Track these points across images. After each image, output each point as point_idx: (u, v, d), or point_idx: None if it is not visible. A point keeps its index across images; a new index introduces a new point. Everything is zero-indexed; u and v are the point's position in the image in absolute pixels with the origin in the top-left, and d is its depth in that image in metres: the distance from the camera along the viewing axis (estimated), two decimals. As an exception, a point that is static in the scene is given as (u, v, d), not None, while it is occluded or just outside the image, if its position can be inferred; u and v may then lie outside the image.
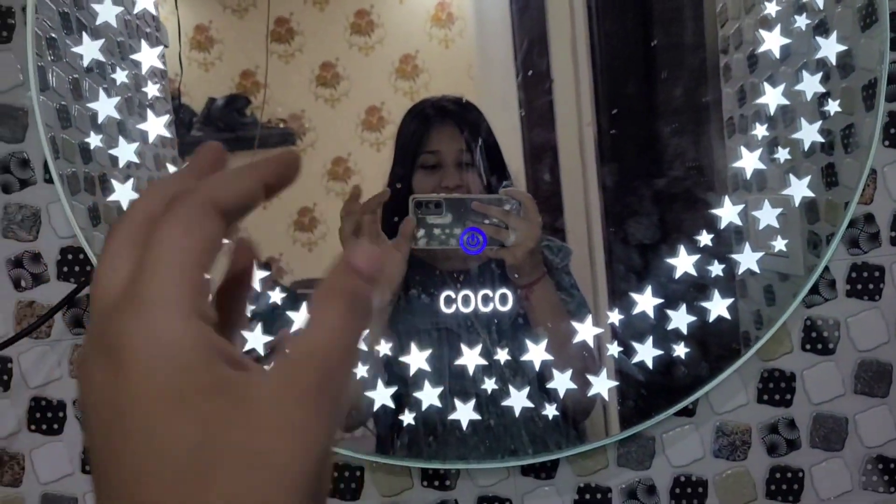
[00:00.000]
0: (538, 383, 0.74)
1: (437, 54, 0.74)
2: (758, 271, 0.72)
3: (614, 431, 0.76)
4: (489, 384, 0.74)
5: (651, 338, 0.73)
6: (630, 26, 0.75)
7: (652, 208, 0.73)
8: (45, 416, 0.79)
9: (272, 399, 0.21)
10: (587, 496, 0.79)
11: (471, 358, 0.73)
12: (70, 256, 0.78)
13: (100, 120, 0.72)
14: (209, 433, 0.20)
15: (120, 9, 0.70)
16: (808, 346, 0.78)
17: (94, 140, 0.72)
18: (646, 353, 0.73)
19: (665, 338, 0.73)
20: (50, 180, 0.75)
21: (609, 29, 0.74)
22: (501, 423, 0.75)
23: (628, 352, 0.73)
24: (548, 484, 0.79)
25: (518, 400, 0.74)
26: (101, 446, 0.21)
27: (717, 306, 0.72)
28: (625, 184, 0.74)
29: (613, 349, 0.73)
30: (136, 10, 0.71)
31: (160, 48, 0.71)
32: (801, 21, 0.71)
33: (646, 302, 0.72)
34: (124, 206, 0.73)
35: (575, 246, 0.75)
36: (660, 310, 0.73)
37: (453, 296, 0.74)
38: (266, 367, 0.23)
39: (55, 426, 0.79)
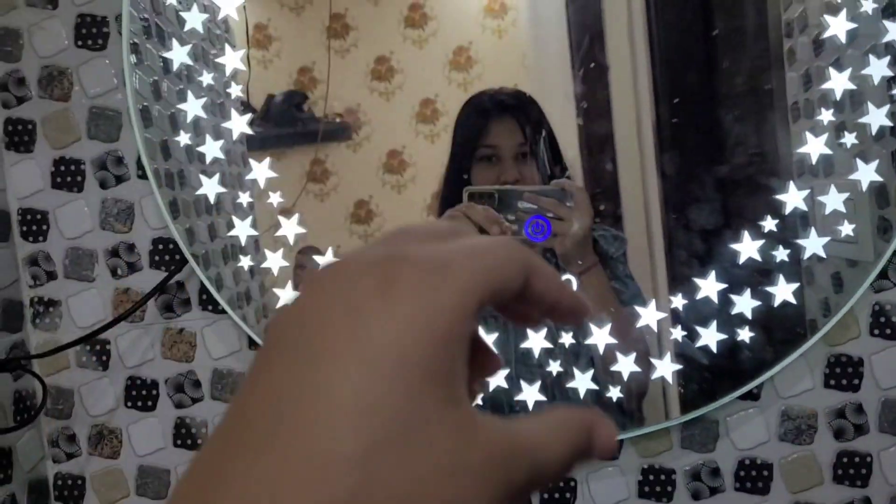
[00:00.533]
0: (600, 365, 0.77)
1: (490, 45, 0.74)
2: (824, 256, 0.73)
3: (677, 414, 0.77)
4: (554, 367, 0.77)
5: (715, 322, 0.74)
6: (690, 15, 0.76)
7: (714, 194, 0.74)
8: (140, 394, 0.85)
9: (476, 455, 0.19)
10: (651, 477, 0.81)
11: (536, 341, 0.76)
12: (161, 246, 0.84)
13: (188, 119, 0.77)
14: (412, 431, 0.18)
15: (206, 16, 0.75)
16: (876, 331, 0.78)
17: (183, 138, 0.78)
18: (709, 336, 0.74)
19: (729, 322, 0.74)
20: (143, 176, 0.81)
21: (668, 17, 0.75)
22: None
23: (692, 336, 0.75)
24: (612, 464, 0.81)
25: (582, 382, 0.76)
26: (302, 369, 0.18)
27: (783, 291, 0.73)
28: (686, 171, 0.75)
29: (677, 333, 0.75)
30: (219, 17, 0.76)
31: (243, 51, 0.76)
32: (868, 4, 0.71)
33: (709, 287, 0.74)
34: (211, 198, 0.79)
35: (634, 233, 0.76)
36: (723, 294, 0.74)
37: None
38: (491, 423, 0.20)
39: (149, 403, 0.85)
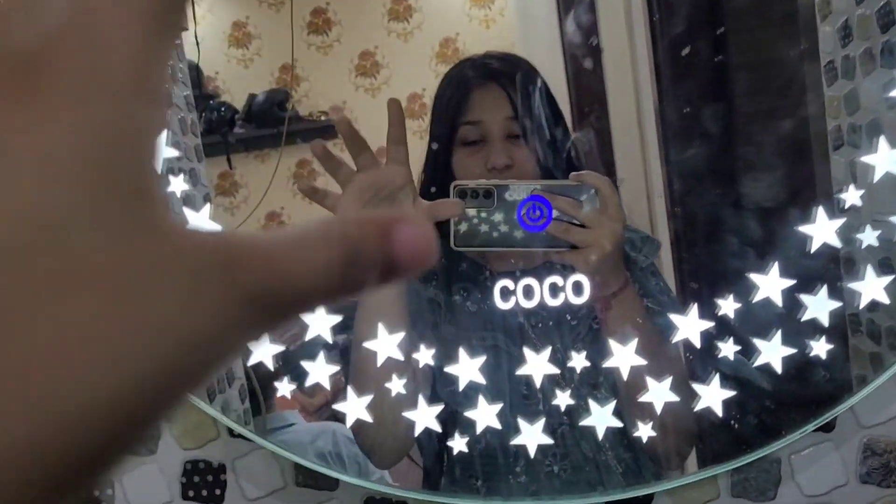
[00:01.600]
0: (626, 396, 0.57)
1: (478, 35, 0.71)
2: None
3: (728, 455, 0.58)
4: (563, 399, 0.57)
5: (779, 332, 0.54)
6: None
7: (773, 161, 0.55)
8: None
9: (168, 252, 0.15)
10: (693, 535, 0.62)
11: (537, 365, 0.57)
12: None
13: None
14: None
15: None
16: None
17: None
18: (772, 352, 0.55)
19: (798, 332, 0.55)
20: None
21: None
22: (580, 449, 0.59)
23: (747, 352, 0.55)
24: (641, 521, 0.62)
25: (601, 418, 0.57)
26: None
27: (870, 286, 0.54)
28: (694, 159, 0.55)
29: (727, 349, 0.55)
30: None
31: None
32: None
33: (770, 284, 0.54)
34: (178, 195, 0.61)
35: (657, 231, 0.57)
36: (790, 295, 0.54)
37: (509, 295, 0.57)
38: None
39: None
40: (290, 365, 0.60)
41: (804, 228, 0.54)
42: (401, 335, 0.56)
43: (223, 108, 0.71)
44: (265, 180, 0.69)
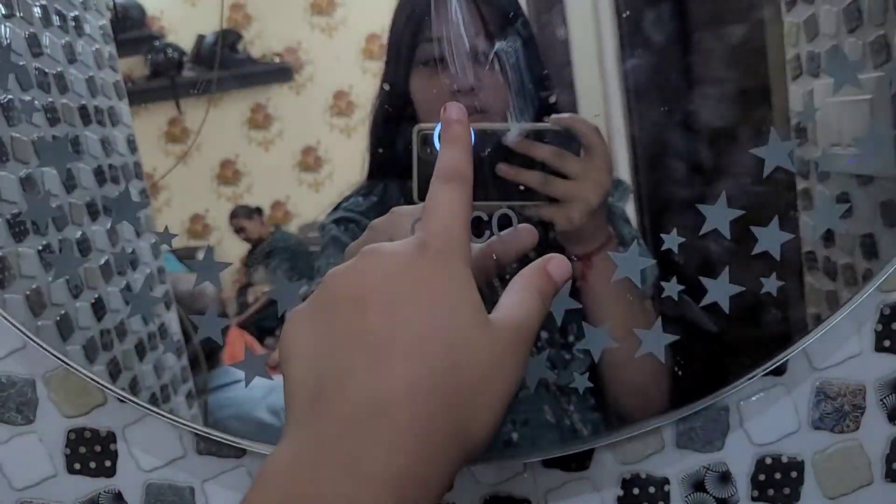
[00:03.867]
0: (562, 342, 0.51)
1: None
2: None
3: (672, 404, 0.53)
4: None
5: (727, 268, 0.49)
6: None
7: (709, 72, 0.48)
8: None
9: (504, 346, 0.30)
10: (635, 490, 0.57)
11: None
12: None
13: None
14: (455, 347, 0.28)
15: None
16: (949, 268, 0.54)
17: None
18: (719, 291, 0.49)
19: (748, 268, 0.49)
20: None
21: None
22: (543, 414, 0.53)
23: (693, 291, 0.49)
24: (580, 477, 0.57)
25: (534, 367, 0.51)
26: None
27: (826, 217, 0.48)
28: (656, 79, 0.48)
29: (671, 289, 0.49)
30: None
31: None
32: None
33: (718, 215, 0.48)
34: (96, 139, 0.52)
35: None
36: (740, 226, 0.48)
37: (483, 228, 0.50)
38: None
39: None
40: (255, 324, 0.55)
41: (756, 151, 0.48)
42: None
43: (169, 50, 0.65)
44: (217, 126, 0.61)
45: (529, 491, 0.57)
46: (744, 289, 0.49)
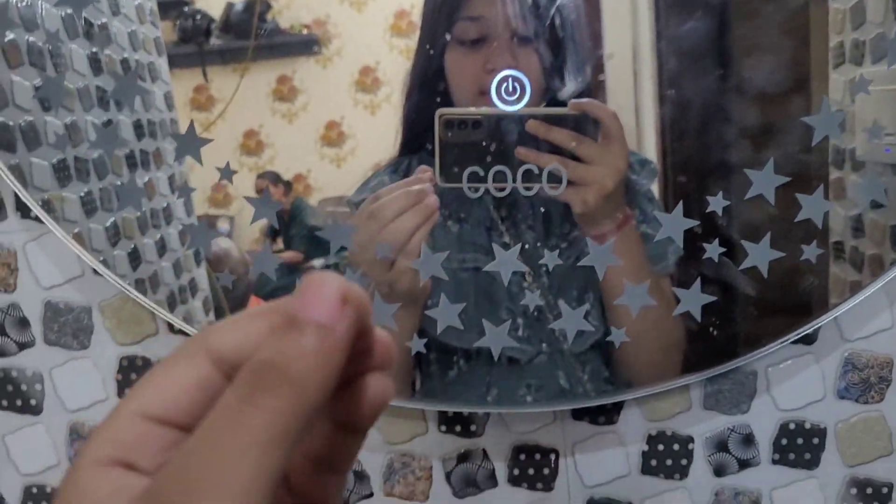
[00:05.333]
0: (598, 298, 0.53)
1: None
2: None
3: (703, 365, 0.55)
4: (532, 299, 0.53)
5: (769, 234, 0.50)
6: None
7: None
8: (-56, 338, 0.60)
9: None
10: (660, 447, 0.59)
11: (505, 262, 0.52)
12: (-44, 124, 0.57)
13: None
14: None
15: None
16: None
17: None
18: (760, 255, 0.50)
19: (789, 234, 0.50)
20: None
21: None
22: (556, 381, 0.55)
23: (734, 254, 0.51)
24: (608, 431, 0.59)
25: (572, 321, 0.52)
26: None
27: (871, 187, 0.49)
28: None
29: (712, 250, 0.51)
30: None
31: None
32: None
33: (764, 181, 0.49)
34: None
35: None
36: (784, 193, 0.49)
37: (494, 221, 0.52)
38: None
39: (-42, 350, 0.60)
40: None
41: (808, 119, 0.49)
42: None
43: (198, 16, 0.65)
44: (243, 95, 0.61)
45: (557, 441, 0.59)
46: (784, 254, 0.50)
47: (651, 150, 0.51)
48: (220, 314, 0.61)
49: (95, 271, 0.57)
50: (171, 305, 0.59)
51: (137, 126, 0.58)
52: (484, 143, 0.50)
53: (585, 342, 0.55)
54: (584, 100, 0.50)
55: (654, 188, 0.53)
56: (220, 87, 0.61)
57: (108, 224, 0.57)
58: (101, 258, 0.56)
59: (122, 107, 0.57)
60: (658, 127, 0.50)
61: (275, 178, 0.62)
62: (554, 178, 0.51)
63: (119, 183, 0.56)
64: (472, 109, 0.51)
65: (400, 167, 0.55)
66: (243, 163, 0.60)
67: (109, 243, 0.58)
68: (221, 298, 0.61)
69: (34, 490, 0.63)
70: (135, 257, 0.59)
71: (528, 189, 0.51)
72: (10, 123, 0.54)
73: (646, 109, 0.50)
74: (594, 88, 0.51)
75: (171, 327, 0.59)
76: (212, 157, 0.57)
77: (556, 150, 0.50)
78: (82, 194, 0.56)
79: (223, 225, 0.61)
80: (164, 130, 0.60)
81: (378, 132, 0.62)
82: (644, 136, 0.51)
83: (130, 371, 0.60)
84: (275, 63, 0.63)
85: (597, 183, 0.50)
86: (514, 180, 0.51)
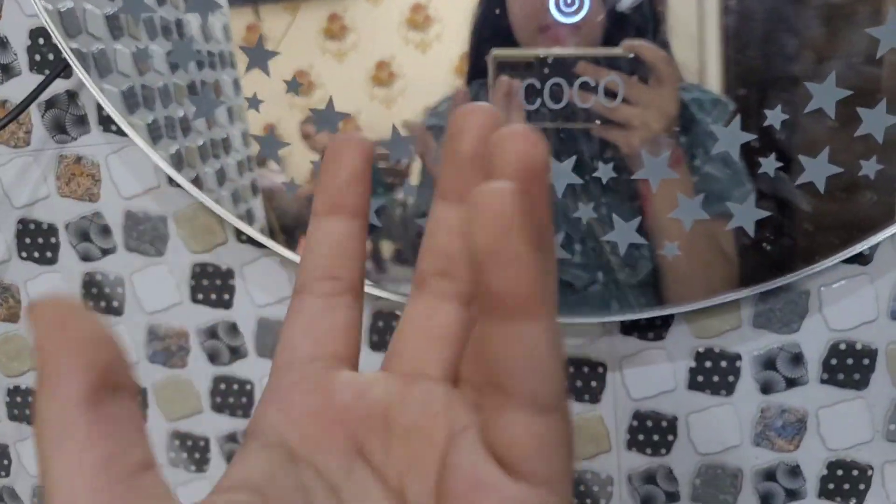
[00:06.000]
0: (653, 214, 0.54)
1: None
2: None
3: (754, 280, 0.55)
4: (584, 212, 0.54)
5: (827, 148, 0.50)
6: None
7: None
8: (36, 243, 0.65)
9: None
10: (707, 363, 0.60)
11: (560, 173, 0.53)
12: (43, 41, 0.60)
13: None
14: None
15: None
16: None
17: None
18: (817, 170, 0.50)
19: (848, 149, 0.50)
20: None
21: None
22: (602, 283, 0.56)
23: (790, 168, 0.51)
24: (656, 346, 0.60)
25: (624, 233, 0.54)
26: None
27: (938, 101, 0.48)
28: None
29: (769, 165, 0.51)
30: None
31: None
32: None
33: (825, 94, 0.49)
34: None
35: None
36: (845, 107, 0.49)
37: (535, 96, 0.52)
38: None
39: (48, 254, 0.65)
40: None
41: (873, 30, 0.48)
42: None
43: None
44: (293, 34, 0.61)
45: (606, 355, 0.61)
46: (842, 170, 0.50)
47: (713, 63, 0.51)
48: (275, 238, 0.64)
49: (171, 182, 0.60)
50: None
51: (198, 54, 0.60)
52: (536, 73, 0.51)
53: (639, 272, 0.56)
54: (637, 42, 0.50)
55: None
56: (271, 27, 0.60)
57: (172, 151, 0.60)
58: (195, 174, 0.59)
59: (184, 35, 0.58)
60: (721, 37, 0.50)
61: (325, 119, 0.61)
62: (600, 118, 0.51)
63: (182, 113, 0.59)
64: (524, 52, 0.51)
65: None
66: (294, 103, 0.60)
67: (175, 171, 0.61)
68: (276, 231, 0.63)
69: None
70: (197, 185, 0.62)
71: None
72: (84, 50, 0.57)
73: (710, 20, 0.50)
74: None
75: (238, 237, 0.63)
76: (262, 96, 0.58)
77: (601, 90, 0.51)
78: (149, 122, 0.59)
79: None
80: (224, 62, 0.62)
81: (429, 71, 0.60)
82: (707, 47, 0.51)
83: (202, 277, 0.64)
84: (325, 1, 0.61)
85: (643, 127, 0.51)
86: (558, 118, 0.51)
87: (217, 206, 0.59)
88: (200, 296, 0.64)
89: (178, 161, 0.60)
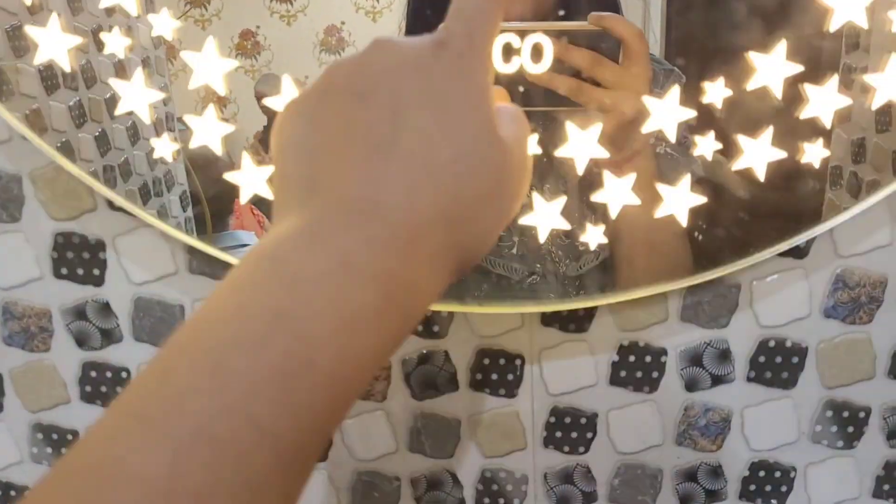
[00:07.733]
0: (579, 191, 0.48)
1: None
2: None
3: (683, 273, 0.51)
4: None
5: (770, 130, 0.45)
6: None
7: None
8: None
9: (512, 165, 0.28)
10: (631, 358, 0.56)
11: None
12: None
13: None
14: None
15: None
16: None
17: None
18: (758, 153, 0.45)
19: (793, 132, 0.45)
20: None
21: None
22: (540, 274, 0.51)
23: (728, 150, 0.46)
24: (577, 338, 0.55)
25: (546, 216, 0.48)
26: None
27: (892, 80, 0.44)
28: None
29: (706, 146, 0.45)
30: None
31: None
32: None
33: (772, 68, 0.43)
34: None
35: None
36: (793, 85, 0.44)
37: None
38: None
39: None
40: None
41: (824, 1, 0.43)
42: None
43: None
44: None
45: (524, 347, 0.56)
46: (785, 155, 0.45)
47: (657, 28, 0.46)
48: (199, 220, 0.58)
49: (25, 138, 0.51)
50: (145, 199, 0.55)
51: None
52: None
53: (583, 265, 0.51)
54: (606, 14, 0.44)
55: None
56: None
57: (71, 103, 0.51)
58: (64, 139, 0.51)
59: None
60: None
61: (276, 82, 0.57)
62: (566, 103, 0.45)
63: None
64: None
65: None
66: (240, 65, 0.56)
67: (74, 125, 0.53)
68: (203, 200, 0.56)
69: (-32, 370, 0.59)
70: (103, 142, 0.54)
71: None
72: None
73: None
74: None
75: (110, 204, 0.54)
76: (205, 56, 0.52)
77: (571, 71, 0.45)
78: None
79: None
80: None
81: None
82: (651, 8, 0.45)
83: (66, 249, 0.55)
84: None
85: (614, 110, 0.45)
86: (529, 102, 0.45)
87: (76, 168, 0.50)
88: (65, 270, 0.56)
89: (79, 114, 0.51)
